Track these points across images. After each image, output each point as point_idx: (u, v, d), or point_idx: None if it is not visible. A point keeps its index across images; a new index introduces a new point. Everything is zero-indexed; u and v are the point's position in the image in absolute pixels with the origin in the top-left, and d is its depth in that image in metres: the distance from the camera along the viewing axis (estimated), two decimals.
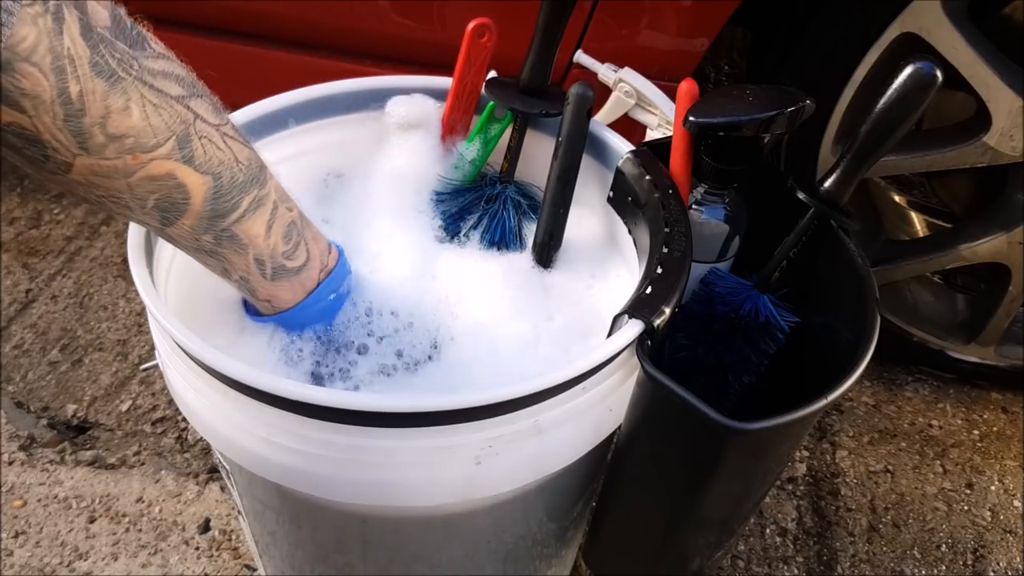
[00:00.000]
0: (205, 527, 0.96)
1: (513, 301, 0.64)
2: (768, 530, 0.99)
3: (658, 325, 0.49)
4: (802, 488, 1.04)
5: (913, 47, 0.86)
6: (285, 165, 0.68)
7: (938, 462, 1.09)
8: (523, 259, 0.68)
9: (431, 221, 0.70)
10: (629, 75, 0.76)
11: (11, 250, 1.32)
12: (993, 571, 0.97)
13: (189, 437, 1.05)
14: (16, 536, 0.95)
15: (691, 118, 0.57)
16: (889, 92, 0.52)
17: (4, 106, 0.35)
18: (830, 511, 1.02)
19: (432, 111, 0.70)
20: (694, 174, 0.62)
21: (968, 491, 1.06)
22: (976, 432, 1.13)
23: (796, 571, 0.96)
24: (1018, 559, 0.99)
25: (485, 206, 0.69)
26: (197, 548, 0.94)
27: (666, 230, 0.55)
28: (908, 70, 0.51)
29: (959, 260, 1.03)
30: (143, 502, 0.98)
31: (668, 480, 0.53)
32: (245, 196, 0.47)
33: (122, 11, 0.39)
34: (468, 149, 0.70)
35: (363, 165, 0.72)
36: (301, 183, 0.70)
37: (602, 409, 0.52)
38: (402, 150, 0.71)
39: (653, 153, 0.63)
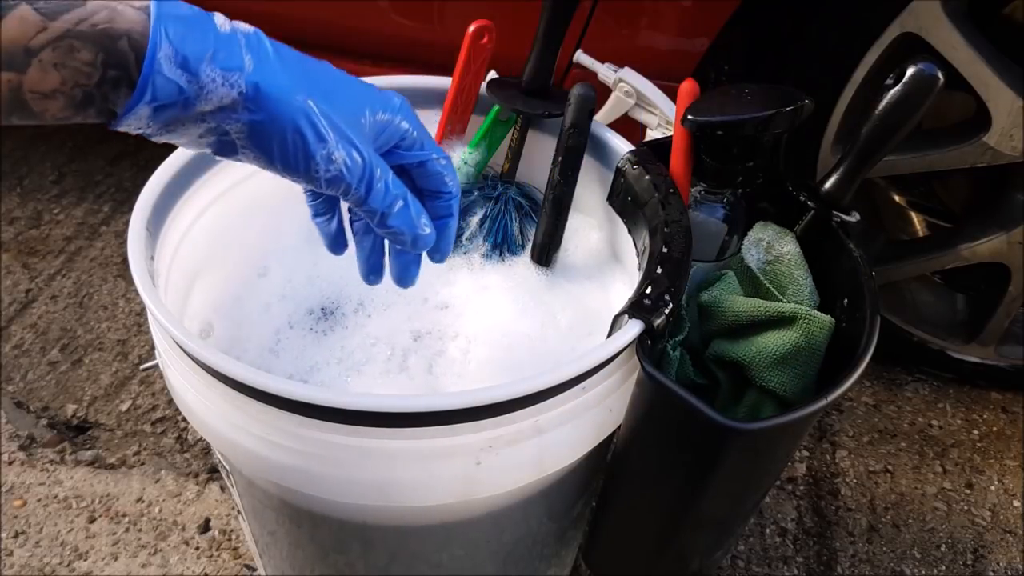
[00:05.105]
0: (205, 527, 0.96)
1: (519, 303, 0.65)
2: (768, 530, 0.99)
3: (658, 325, 0.49)
4: (802, 488, 1.04)
5: (913, 47, 0.86)
6: None
7: (938, 462, 1.09)
8: (525, 261, 0.68)
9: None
10: (629, 75, 0.76)
11: (11, 250, 1.32)
12: (993, 571, 0.97)
13: (189, 437, 1.05)
14: (16, 536, 0.95)
15: (690, 117, 0.57)
16: (891, 93, 0.52)
17: None
18: (830, 511, 1.02)
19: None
20: (694, 174, 0.62)
21: (968, 491, 1.06)
22: (976, 432, 1.13)
23: (796, 571, 0.96)
24: (1018, 559, 0.99)
25: (487, 208, 0.69)
26: (197, 548, 0.94)
27: (666, 230, 0.55)
28: (910, 71, 0.51)
29: (959, 260, 1.03)
30: (143, 502, 0.98)
31: (668, 480, 0.53)
32: None
33: None
34: (471, 153, 0.70)
35: None
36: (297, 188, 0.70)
37: (602, 409, 0.52)
38: None
39: (653, 153, 0.62)
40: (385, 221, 0.44)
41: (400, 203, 0.44)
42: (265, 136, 0.40)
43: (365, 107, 0.43)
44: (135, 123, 0.39)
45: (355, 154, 0.41)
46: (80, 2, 0.36)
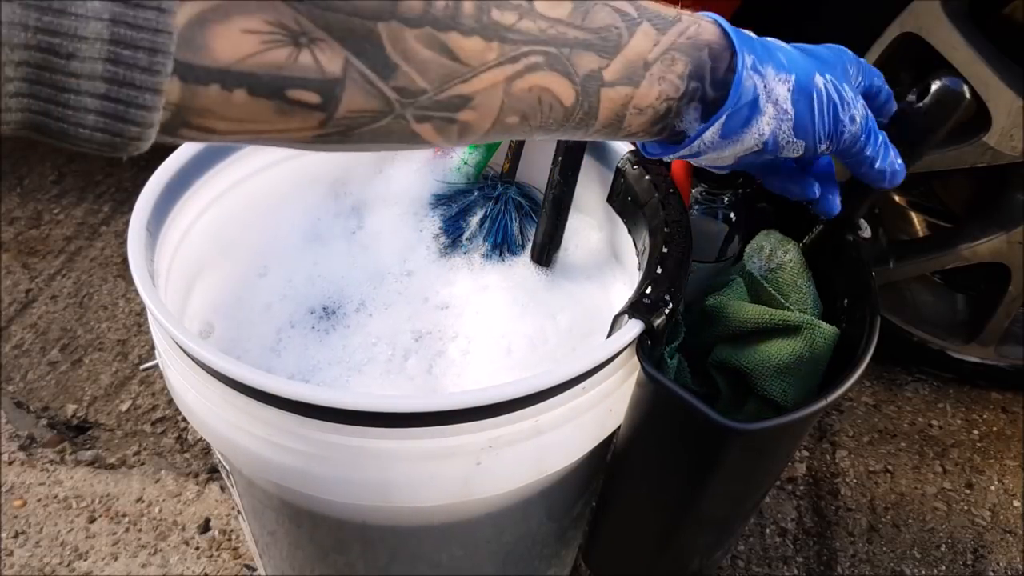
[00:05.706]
0: (205, 527, 0.96)
1: (519, 303, 0.65)
2: (768, 530, 0.99)
3: (658, 325, 0.49)
4: (802, 488, 1.04)
5: (913, 47, 0.86)
6: (285, 165, 0.68)
7: (938, 462, 1.09)
8: (525, 261, 0.68)
9: (431, 229, 0.70)
10: None
11: (11, 250, 1.32)
12: (993, 571, 0.97)
13: (189, 437, 1.05)
14: (16, 536, 0.95)
15: None
16: (914, 111, 0.49)
17: None
18: (830, 511, 1.02)
19: None
20: (694, 174, 0.62)
21: (968, 491, 1.06)
22: (976, 432, 1.13)
23: (796, 571, 0.96)
24: (1018, 559, 0.99)
25: (486, 207, 0.69)
26: (197, 548, 0.94)
27: (666, 230, 0.55)
28: (934, 87, 0.48)
29: (959, 260, 1.03)
30: (143, 502, 0.98)
31: (668, 480, 0.53)
32: None
33: None
34: (471, 153, 0.70)
35: (362, 172, 0.72)
36: (301, 186, 0.70)
37: (602, 409, 0.52)
38: (397, 162, 0.71)
39: None
40: (873, 164, 0.45)
41: (886, 145, 0.45)
42: (807, 119, 0.42)
43: (846, 64, 0.45)
44: (708, 135, 0.40)
45: (861, 106, 0.43)
46: (676, 16, 0.38)
